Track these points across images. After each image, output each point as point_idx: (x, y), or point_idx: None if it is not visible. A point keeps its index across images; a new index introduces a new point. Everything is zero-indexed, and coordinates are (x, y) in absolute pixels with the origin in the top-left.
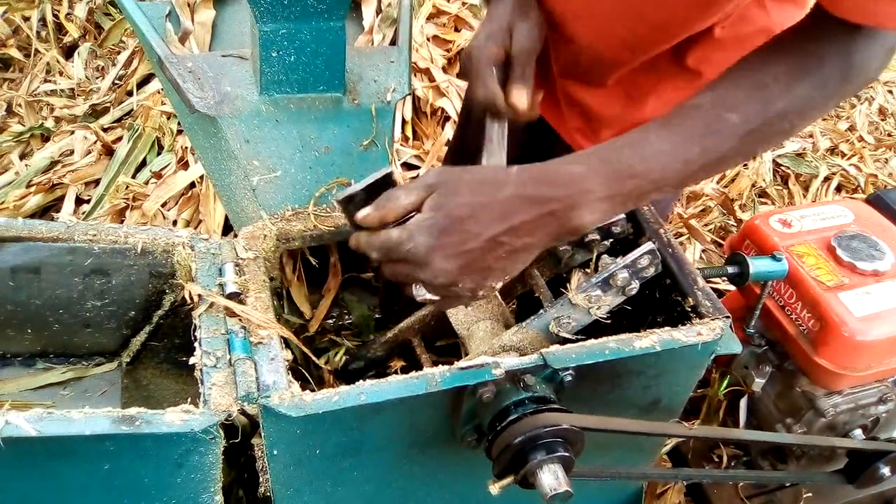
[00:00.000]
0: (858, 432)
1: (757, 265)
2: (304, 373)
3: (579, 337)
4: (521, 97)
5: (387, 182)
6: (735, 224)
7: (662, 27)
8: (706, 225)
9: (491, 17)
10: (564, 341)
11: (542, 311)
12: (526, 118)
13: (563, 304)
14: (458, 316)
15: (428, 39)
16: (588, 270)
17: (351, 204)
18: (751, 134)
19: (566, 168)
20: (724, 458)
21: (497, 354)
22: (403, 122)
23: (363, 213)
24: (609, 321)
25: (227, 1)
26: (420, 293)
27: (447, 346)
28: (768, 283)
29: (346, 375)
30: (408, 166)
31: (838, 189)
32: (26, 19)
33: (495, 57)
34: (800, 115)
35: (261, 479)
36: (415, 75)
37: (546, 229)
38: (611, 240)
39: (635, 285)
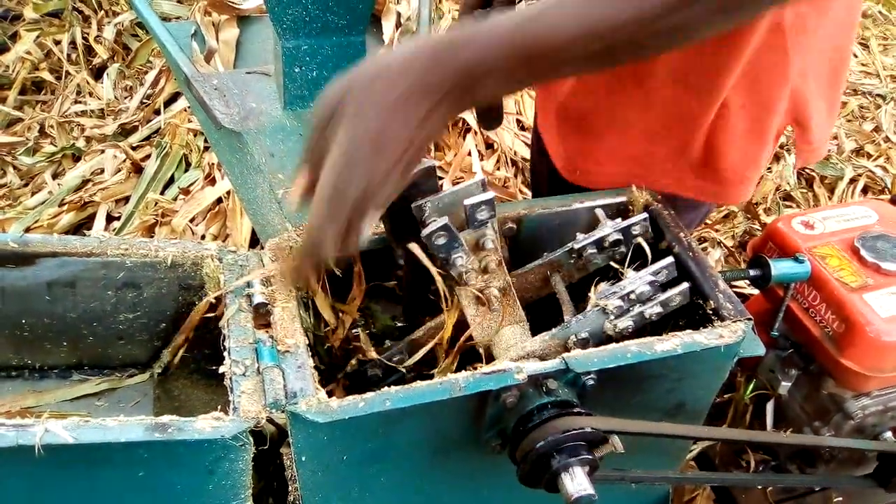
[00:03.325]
0: (889, 435)
1: (779, 267)
2: (329, 381)
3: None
4: None
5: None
6: (760, 228)
7: None
8: (731, 228)
9: None
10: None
11: (564, 323)
12: None
13: (583, 320)
14: (480, 321)
15: None
16: (610, 282)
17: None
18: None
19: None
20: (752, 463)
21: (521, 360)
22: None
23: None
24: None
25: (250, 19)
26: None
27: (467, 352)
28: (791, 286)
29: (363, 382)
30: None
31: (864, 191)
32: (57, 43)
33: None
34: None
35: (290, 488)
36: None
37: (436, 59)
38: (631, 243)
39: (657, 307)
